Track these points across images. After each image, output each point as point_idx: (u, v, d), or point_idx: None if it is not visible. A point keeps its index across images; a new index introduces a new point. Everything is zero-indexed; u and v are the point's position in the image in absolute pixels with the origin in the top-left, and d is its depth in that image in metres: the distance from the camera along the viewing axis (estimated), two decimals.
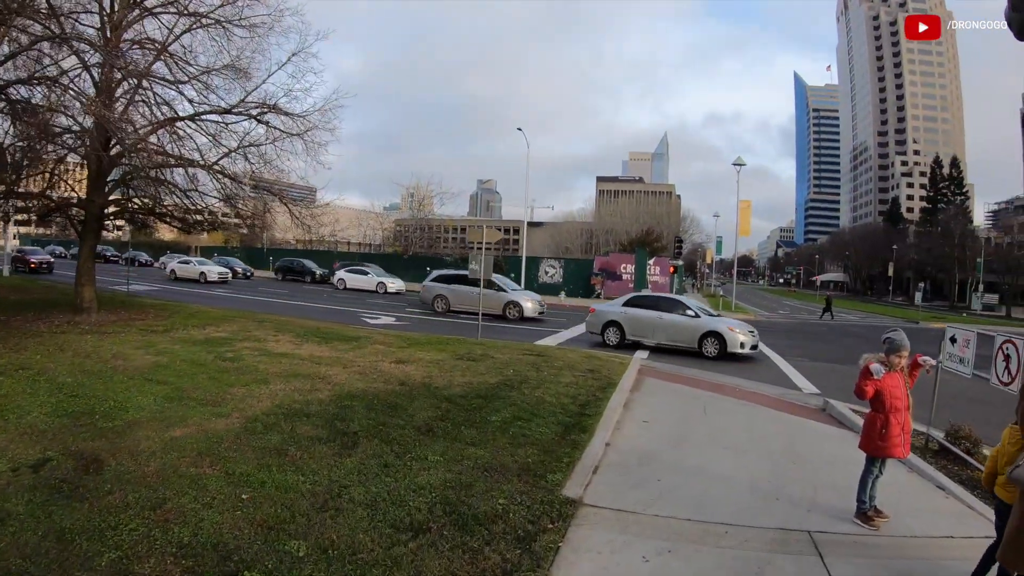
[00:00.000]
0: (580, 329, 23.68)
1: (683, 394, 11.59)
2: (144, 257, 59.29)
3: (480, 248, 17.43)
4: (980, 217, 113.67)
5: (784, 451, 8.06)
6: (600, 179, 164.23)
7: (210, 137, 19.76)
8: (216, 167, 20.23)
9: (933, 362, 6.41)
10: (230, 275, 43.30)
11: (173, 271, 41.91)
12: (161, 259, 53.87)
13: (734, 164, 44.11)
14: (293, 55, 20.12)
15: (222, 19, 18.21)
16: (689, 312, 18.78)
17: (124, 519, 4.65)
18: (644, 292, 29.08)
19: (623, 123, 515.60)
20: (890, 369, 5.52)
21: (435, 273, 40.45)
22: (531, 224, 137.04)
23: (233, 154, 20.06)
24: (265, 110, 20.15)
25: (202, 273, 40.46)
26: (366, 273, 42.00)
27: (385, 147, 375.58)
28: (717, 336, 18.02)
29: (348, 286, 40.87)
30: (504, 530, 4.96)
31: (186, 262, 43.25)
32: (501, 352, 14.06)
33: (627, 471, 6.76)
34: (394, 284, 40.21)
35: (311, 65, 20.36)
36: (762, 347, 20.65)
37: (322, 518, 4.90)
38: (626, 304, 19.75)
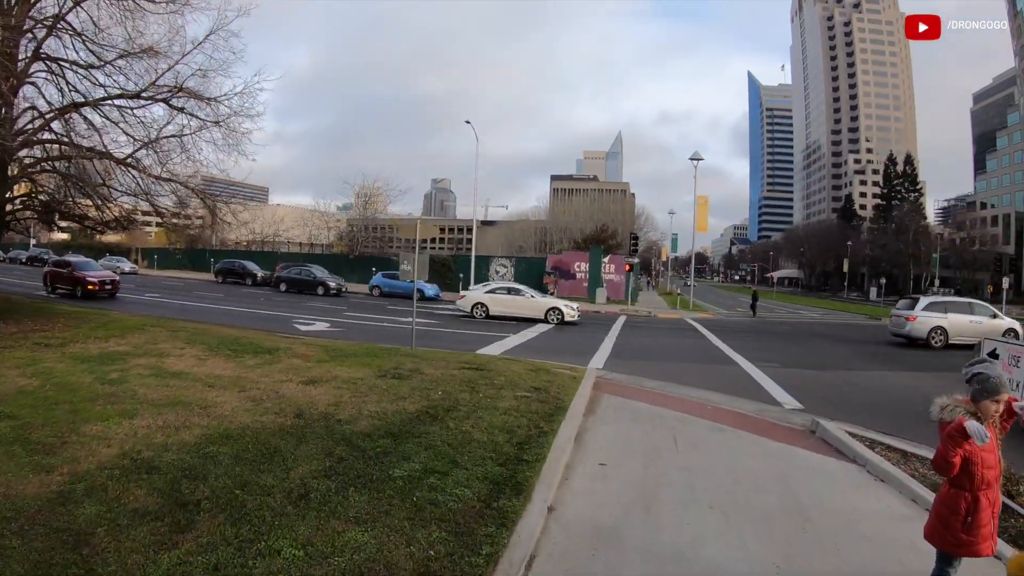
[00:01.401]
0: (530, 333, 21.83)
1: (647, 417, 9.63)
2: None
3: (415, 246, 15.28)
4: (930, 214, 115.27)
5: (788, 509, 6.06)
6: (555, 177, 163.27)
7: (120, 125, 18.04)
8: (130, 161, 18.34)
9: None
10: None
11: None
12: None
13: (691, 159, 43.00)
14: (210, 34, 18.25)
15: None
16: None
17: None
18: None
19: (577, 122, 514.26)
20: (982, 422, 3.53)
21: (379, 274, 38.62)
22: (485, 223, 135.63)
23: (149, 147, 18.33)
24: (175, 93, 18.30)
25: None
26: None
27: (338, 146, 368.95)
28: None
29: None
30: None
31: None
32: (434, 366, 12.06)
33: (575, 564, 4.70)
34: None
35: (232, 45, 18.47)
36: (729, 352, 19.51)
37: None
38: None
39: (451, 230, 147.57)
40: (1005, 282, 45.57)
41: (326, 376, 10.59)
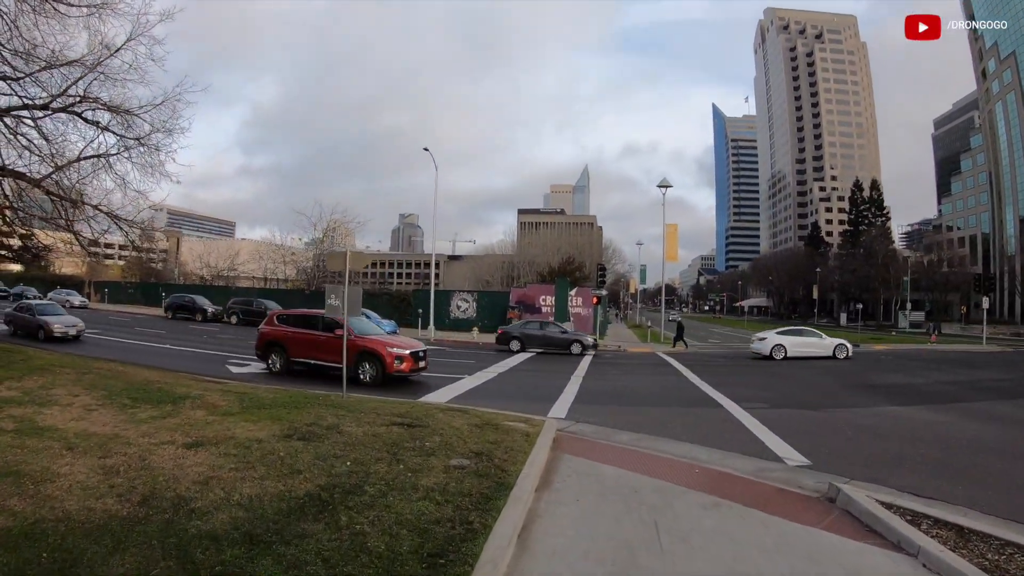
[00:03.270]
0: (488, 375, 19.67)
1: (619, 489, 7.39)
2: (32, 292, 53.89)
3: (345, 279, 13.01)
4: (895, 239, 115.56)
5: None
6: (521, 211, 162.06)
7: (35, 142, 16.30)
8: (46, 184, 16.62)
9: None
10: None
11: None
12: None
13: (659, 186, 41.31)
14: (130, 39, 16.42)
15: None
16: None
17: None
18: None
19: (544, 156, 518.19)
20: None
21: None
22: (452, 258, 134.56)
23: (64, 170, 16.63)
24: (84, 102, 16.40)
25: None
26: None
27: (305, 181, 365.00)
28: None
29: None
30: None
31: None
32: (359, 421, 9.87)
33: None
34: None
35: (153, 52, 16.63)
36: (709, 390, 17.44)
37: None
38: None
39: (418, 264, 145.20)
40: (985, 302, 44.10)
41: (219, 436, 8.56)
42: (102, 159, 16.94)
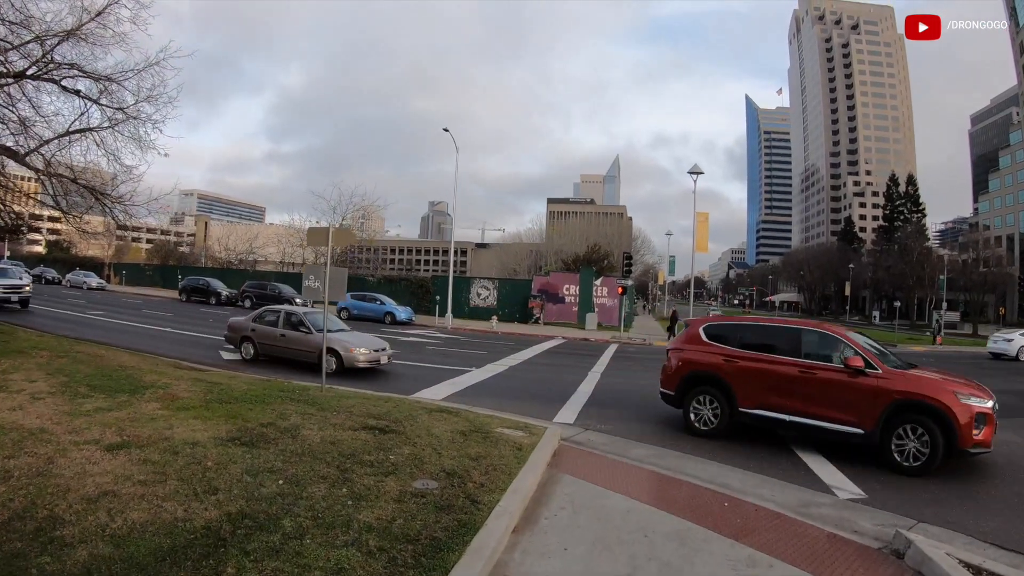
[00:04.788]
0: (498, 367, 18.15)
1: (623, 530, 5.71)
2: (51, 274, 55.92)
3: (327, 257, 11.51)
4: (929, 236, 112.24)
5: None
6: (551, 200, 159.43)
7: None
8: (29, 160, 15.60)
9: None
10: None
11: None
12: None
13: (690, 172, 39.25)
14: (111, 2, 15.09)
15: None
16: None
17: None
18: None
19: (574, 145, 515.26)
20: None
21: (348, 295, 34.99)
22: (479, 246, 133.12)
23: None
24: (55, 66, 15.25)
25: None
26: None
27: (332, 167, 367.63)
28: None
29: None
30: None
31: None
32: (325, 422, 8.54)
33: None
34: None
35: (137, 17, 15.68)
36: None
37: None
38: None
39: (445, 252, 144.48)
40: None
41: (154, 437, 7.38)
42: (88, 133, 15.82)
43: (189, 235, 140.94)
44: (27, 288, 25.80)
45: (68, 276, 53.21)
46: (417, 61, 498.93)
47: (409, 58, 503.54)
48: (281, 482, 5.93)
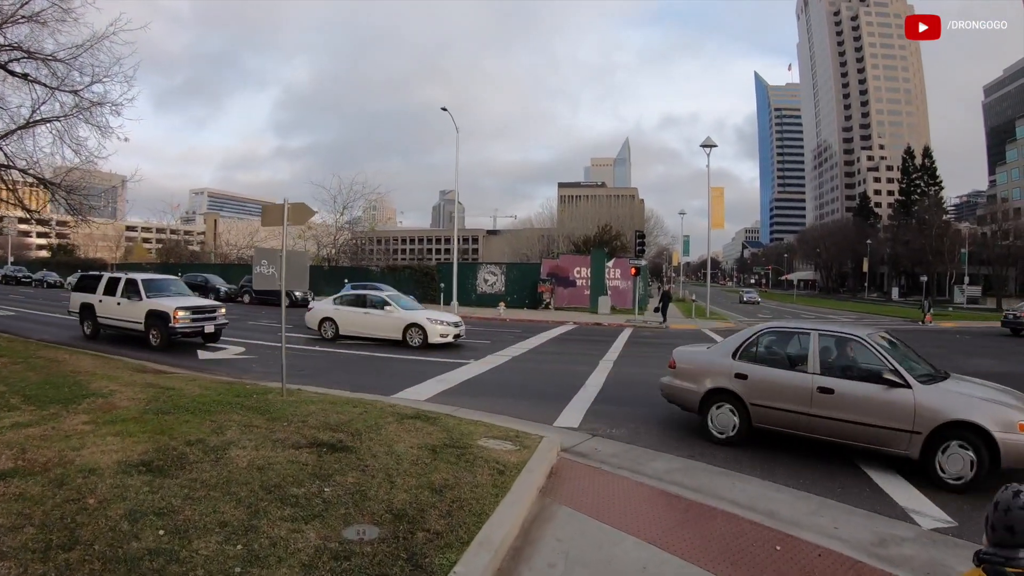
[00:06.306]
0: (499, 359, 16.46)
1: None
2: (52, 277, 55.74)
3: (282, 237, 9.79)
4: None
5: None
6: (562, 185, 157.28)
7: None
8: None
9: None
10: None
11: None
12: None
13: (702, 145, 37.22)
14: None
15: None
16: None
17: None
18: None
19: (584, 130, 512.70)
20: None
21: (348, 285, 33.42)
22: (490, 232, 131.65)
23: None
24: None
25: None
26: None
27: (340, 161, 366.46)
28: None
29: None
30: None
31: None
32: (264, 440, 6.86)
33: None
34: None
35: None
36: None
37: None
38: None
39: (456, 240, 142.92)
40: None
41: (52, 461, 5.94)
42: (48, 124, 15.18)
43: (200, 233, 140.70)
44: (221, 313, 18.46)
45: (69, 279, 51.77)
46: (425, 51, 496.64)
47: (416, 48, 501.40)
48: (162, 533, 4.26)
